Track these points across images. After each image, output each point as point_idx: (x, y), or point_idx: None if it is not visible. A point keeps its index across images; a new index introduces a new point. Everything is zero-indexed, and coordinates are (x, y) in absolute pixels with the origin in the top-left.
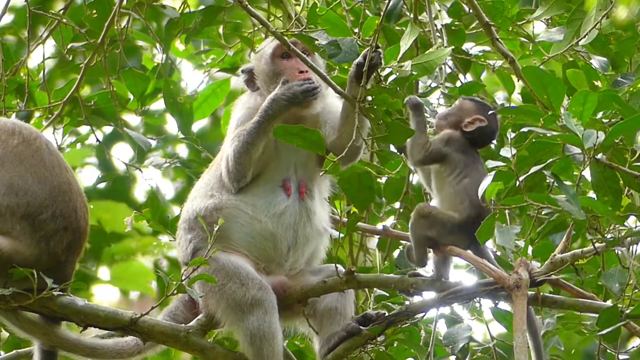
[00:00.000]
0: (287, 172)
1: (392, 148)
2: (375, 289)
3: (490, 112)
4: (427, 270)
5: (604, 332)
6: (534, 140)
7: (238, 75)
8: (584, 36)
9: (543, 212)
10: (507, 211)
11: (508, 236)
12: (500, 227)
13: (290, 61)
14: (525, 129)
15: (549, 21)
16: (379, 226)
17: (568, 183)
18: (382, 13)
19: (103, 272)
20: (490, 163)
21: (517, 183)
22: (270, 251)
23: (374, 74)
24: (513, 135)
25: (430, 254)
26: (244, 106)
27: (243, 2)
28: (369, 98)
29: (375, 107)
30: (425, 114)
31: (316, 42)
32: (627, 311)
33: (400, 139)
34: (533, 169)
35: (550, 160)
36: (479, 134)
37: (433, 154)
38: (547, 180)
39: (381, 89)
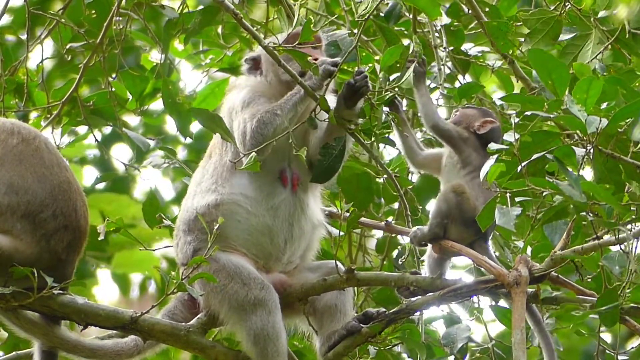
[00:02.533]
0: (284, 164)
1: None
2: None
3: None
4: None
5: (603, 309)
6: (535, 130)
7: (241, 64)
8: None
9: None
10: (508, 194)
11: (509, 217)
12: (501, 208)
13: (303, 50)
14: (528, 113)
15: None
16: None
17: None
18: (381, 15)
19: (104, 271)
20: (493, 146)
21: (520, 168)
22: (268, 246)
23: (362, 99)
24: (517, 120)
25: (426, 260)
26: (246, 84)
27: (238, 15)
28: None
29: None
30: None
31: (309, 58)
32: (628, 291)
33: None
34: (536, 155)
35: (553, 148)
36: (491, 135)
37: (451, 133)
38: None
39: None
